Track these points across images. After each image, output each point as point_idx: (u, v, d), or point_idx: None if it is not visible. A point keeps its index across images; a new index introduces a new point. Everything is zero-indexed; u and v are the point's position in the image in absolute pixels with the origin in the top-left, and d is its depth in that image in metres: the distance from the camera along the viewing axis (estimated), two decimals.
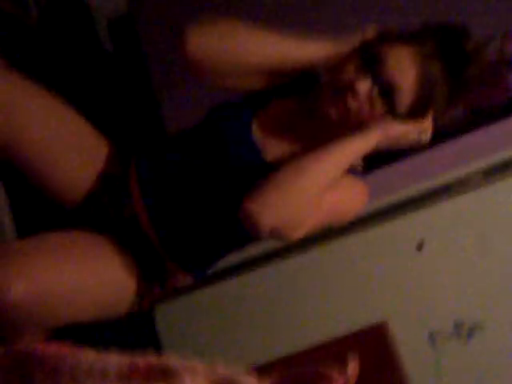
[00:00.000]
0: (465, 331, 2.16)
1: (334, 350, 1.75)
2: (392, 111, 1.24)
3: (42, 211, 1.47)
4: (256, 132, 1.34)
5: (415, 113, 1.25)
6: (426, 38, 1.24)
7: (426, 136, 1.28)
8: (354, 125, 1.25)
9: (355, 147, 1.24)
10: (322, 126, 1.31)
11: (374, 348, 1.66)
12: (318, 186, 1.19)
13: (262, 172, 1.23)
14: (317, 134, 1.33)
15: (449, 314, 2.18)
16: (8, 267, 1.12)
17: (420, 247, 2.20)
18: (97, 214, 1.39)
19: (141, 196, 1.35)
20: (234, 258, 2.17)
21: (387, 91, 1.22)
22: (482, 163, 2.16)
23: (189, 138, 1.38)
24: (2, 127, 1.31)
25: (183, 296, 2.30)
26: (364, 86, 1.22)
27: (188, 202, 1.32)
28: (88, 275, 1.25)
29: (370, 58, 1.23)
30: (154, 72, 2.91)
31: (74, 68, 2.29)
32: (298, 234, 1.20)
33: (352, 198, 1.32)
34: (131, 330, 1.81)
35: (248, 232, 1.19)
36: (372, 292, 2.19)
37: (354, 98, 1.22)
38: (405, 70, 1.21)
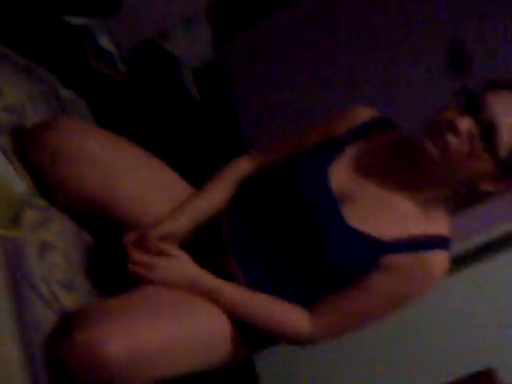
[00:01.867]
0: None
1: None
2: (492, 152, 1.19)
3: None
4: (334, 180, 1.32)
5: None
6: None
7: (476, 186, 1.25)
8: (450, 165, 1.21)
9: None
10: (416, 167, 1.27)
11: None
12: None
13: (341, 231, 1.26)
14: (406, 175, 1.29)
15: None
16: (104, 325, 1.12)
17: None
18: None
19: (232, 250, 1.34)
20: None
21: (489, 131, 1.19)
22: None
23: (269, 189, 1.36)
24: (99, 185, 1.34)
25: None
26: (465, 123, 1.20)
27: (274, 256, 1.31)
28: (186, 328, 1.24)
29: (473, 102, 1.21)
30: (242, 119, 2.97)
31: (164, 120, 2.34)
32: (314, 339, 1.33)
33: (413, 280, 1.27)
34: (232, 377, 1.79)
35: None
36: (477, 335, 2.07)
37: (454, 135, 1.19)
38: (508, 112, 1.20)
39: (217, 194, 1.42)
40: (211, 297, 1.29)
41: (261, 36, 3.08)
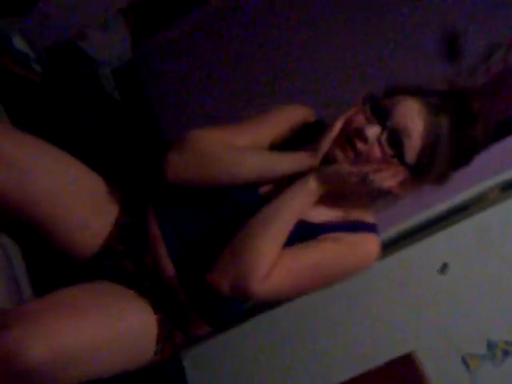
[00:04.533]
0: (499, 351, 2.11)
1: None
2: (401, 158, 1.24)
3: (58, 267, 1.46)
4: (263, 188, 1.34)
5: (421, 165, 1.24)
6: (433, 93, 1.27)
7: (388, 182, 1.24)
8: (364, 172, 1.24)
9: (296, 201, 1.26)
10: None
11: (404, 380, 1.63)
12: (261, 243, 1.22)
13: None
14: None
15: (480, 335, 2.13)
16: (24, 328, 1.11)
17: (443, 270, 2.17)
18: (112, 263, 1.38)
19: (165, 247, 1.34)
20: None
21: (396, 137, 1.23)
22: (497, 179, 2.13)
23: (201, 190, 1.37)
24: (14, 188, 1.31)
25: (209, 341, 2.29)
26: (373, 130, 1.23)
27: (207, 257, 1.32)
28: (106, 327, 1.23)
29: (379, 109, 1.25)
30: (161, 116, 2.96)
31: (82, 119, 2.31)
32: (260, 290, 1.22)
33: (350, 257, 1.30)
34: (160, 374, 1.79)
35: None
36: (398, 322, 2.15)
37: (363, 143, 1.23)
38: (413, 117, 1.23)
39: None
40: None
41: (178, 34, 3.08)
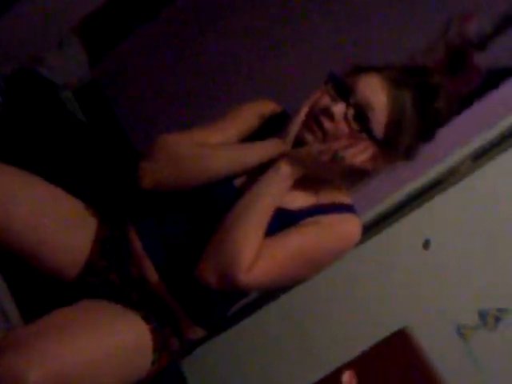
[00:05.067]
0: (491, 319, 2.14)
1: (362, 366, 1.74)
2: (368, 132, 1.25)
3: (45, 291, 1.45)
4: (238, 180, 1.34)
5: (389, 138, 1.26)
6: (394, 69, 1.30)
7: (359, 158, 1.25)
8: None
9: (272, 188, 1.26)
10: None
11: (400, 356, 1.64)
12: (243, 234, 1.23)
13: None
14: None
15: (471, 305, 2.16)
16: (20, 355, 1.10)
17: (427, 246, 2.19)
18: (98, 280, 1.38)
19: (148, 256, 1.34)
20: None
21: (361, 112, 1.25)
22: (467, 149, 2.16)
23: (177, 193, 1.38)
24: None
25: (206, 344, 2.29)
26: (339, 108, 1.25)
27: (192, 258, 1.32)
28: (100, 346, 1.23)
29: (342, 86, 1.27)
30: (129, 128, 2.96)
31: (49, 144, 2.30)
32: (247, 280, 1.23)
33: (331, 238, 1.31)
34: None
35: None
36: (388, 299, 2.17)
37: (330, 120, 1.25)
38: (376, 91, 1.25)
39: None
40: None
41: (135, 45, 3.08)
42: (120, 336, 1.28)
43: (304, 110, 1.29)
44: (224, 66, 2.90)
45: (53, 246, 1.35)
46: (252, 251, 1.23)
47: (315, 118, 1.27)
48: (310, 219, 1.31)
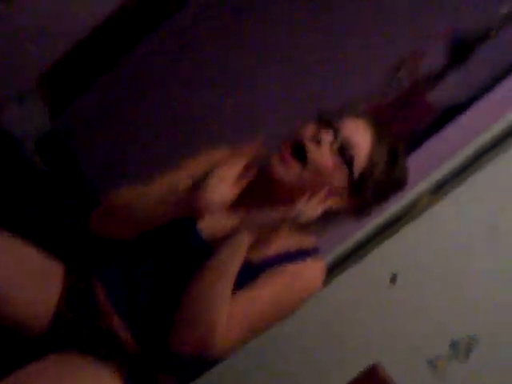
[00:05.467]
0: (462, 349, 2.15)
1: None
2: (350, 167, 1.28)
3: (11, 347, 1.42)
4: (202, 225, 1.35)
5: (359, 183, 1.29)
6: (373, 120, 1.34)
7: (305, 216, 1.27)
8: (306, 180, 1.27)
9: (236, 256, 1.25)
10: (270, 194, 1.33)
11: None
12: (214, 304, 1.23)
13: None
14: (263, 201, 1.34)
15: (442, 337, 2.17)
16: None
17: (394, 280, 2.21)
18: (65, 333, 1.36)
19: (115, 311, 1.33)
20: None
21: (345, 149, 1.27)
22: (425, 184, 2.20)
23: (142, 241, 1.37)
24: None
25: None
26: (328, 136, 1.27)
27: (160, 306, 1.31)
28: None
29: (332, 121, 1.30)
30: (94, 180, 2.94)
31: (11, 196, 2.27)
32: (222, 346, 1.24)
33: (296, 286, 1.32)
34: None
35: None
36: (357, 337, 2.16)
37: (316, 146, 1.26)
38: (362, 135, 1.29)
39: None
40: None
41: (97, 97, 3.08)
42: None
43: (234, 166, 1.26)
44: (186, 112, 2.92)
45: (17, 301, 1.34)
46: (224, 320, 1.23)
47: (295, 149, 1.27)
48: (273, 269, 1.31)
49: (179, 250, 1.32)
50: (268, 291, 1.28)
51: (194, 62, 2.96)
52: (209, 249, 1.29)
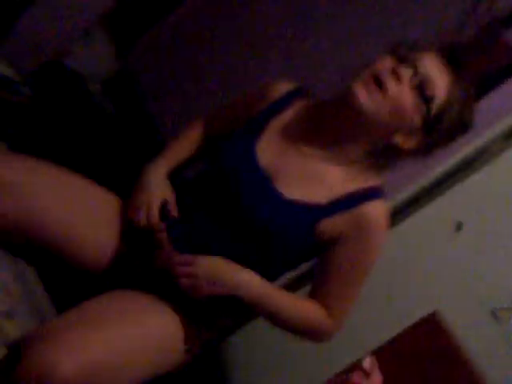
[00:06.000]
0: None
1: (393, 350, 1.72)
2: (429, 106, 1.24)
3: (76, 282, 1.47)
4: (262, 157, 1.34)
5: (435, 121, 1.26)
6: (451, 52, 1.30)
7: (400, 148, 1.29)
8: (382, 116, 1.24)
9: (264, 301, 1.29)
10: (338, 127, 1.30)
11: (430, 339, 1.62)
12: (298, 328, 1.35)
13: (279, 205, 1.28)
14: (329, 138, 1.31)
15: (504, 287, 2.12)
16: (50, 347, 1.11)
17: (459, 228, 2.15)
18: (128, 270, 1.39)
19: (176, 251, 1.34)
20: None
21: (424, 85, 1.23)
22: (498, 128, 2.12)
23: (203, 185, 1.38)
24: (17, 211, 1.31)
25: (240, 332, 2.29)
26: (408, 71, 1.23)
27: (220, 251, 1.31)
28: (131, 336, 1.23)
29: (411, 55, 1.25)
30: (159, 123, 2.96)
31: (79, 136, 2.32)
32: (338, 328, 1.37)
33: (371, 248, 1.32)
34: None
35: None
36: (419, 283, 2.14)
37: (396, 83, 1.22)
38: (441, 72, 1.26)
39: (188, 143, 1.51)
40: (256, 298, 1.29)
41: (161, 36, 3.07)
42: (151, 326, 1.28)
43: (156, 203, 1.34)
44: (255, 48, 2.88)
45: (82, 241, 1.37)
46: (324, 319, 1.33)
47: (375, 79, 1.23)
48: (328, 222, 1.30)
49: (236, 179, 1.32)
50: (352, 274, 1.31)
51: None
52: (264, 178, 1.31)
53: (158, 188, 1.39)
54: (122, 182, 1.54)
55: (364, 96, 1.22)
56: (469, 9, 2.54)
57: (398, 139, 1.27)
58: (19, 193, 1.30)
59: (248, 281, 1.26)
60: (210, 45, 2.99)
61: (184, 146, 1.51)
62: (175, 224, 1.36)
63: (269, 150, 1.35)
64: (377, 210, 1.30)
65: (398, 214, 2.16)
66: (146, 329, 1.27)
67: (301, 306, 1.32)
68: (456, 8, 2.55)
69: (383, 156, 1.31)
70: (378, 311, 2.15)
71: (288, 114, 1.39)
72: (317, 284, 1.35)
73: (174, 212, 1.36)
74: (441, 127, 1.26)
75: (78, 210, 1.36)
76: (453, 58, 1.28)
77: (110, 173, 2.05)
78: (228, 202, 1.32)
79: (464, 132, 1.31)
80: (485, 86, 2.17)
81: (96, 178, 1.46)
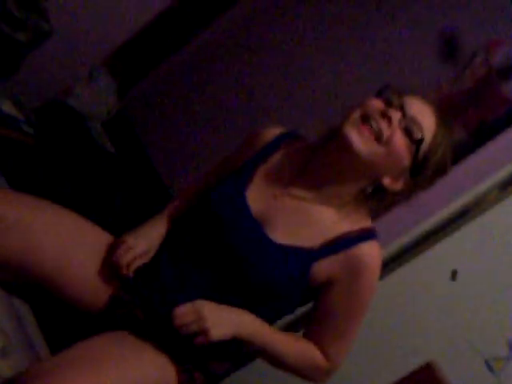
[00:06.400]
0: None
1: None
2: (418, 146, 1.25)
3: (70, 322, 1.46)
4: (252, 203, 1.34)
5: (422, 163, 1.27)
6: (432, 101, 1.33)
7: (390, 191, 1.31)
8: (372, 157, 1.25)
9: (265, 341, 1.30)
10: (325, 170, 1.31)
11: None
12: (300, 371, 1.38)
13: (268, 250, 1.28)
14: (318, 180, 1.32)
15: (501, 336, 2.11)
16: None
17: (454, 276, 2.15)
18: (122, 313, 1.38)
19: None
20: None
21: (413, 128, 1.25)
22: (494, 178, 2.14)
23: (192, 226, 1.38)
24: (15, 248, 1.31)
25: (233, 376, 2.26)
26: (397, 115, 1.25)
27: (211, 294, 1.31)
28: (124, 380, 1.22)
29: (397, 99, 1.27)
30: (159, 164, 2.98)
31: (77, 175, 2.33)
32: (336, 368, 1.39)
33: (366, 288, 1.33)
34: None
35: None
36: (414, 333, 2.13)
37: (387, 125, 1.24)
38: (428, 115, 1.28)
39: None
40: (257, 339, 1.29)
41: (163, 79, 3.12)
42: (144, 370, 1.27)
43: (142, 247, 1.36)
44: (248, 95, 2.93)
45: (77, 277, 1.36)
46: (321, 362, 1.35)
47: (366, 121, 1.24)
48: (322, 264, 1.30)
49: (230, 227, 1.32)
50: (354, 319, 1.33)
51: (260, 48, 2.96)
52: (256, 225, 1.30)
53: (146, 241, 1.40)
54: (121, 222, 1.54)
55: (358, 139, 1.24)
56: (466, 61, 2.60)
57: (387, 181, 1.29)
58: (18, 231, 1.30)
59: (251, 320, 1.27)
60: (208, 90, 3.04)
61: (182, 207, 1.50)
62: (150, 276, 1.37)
63: (258, 196, 1.35)
64: (370, 250, 1.31)
65: (392, 263, 2.16)
66: (140, 373, 1.26)
67: (298, 346, 1.32)
68: (453, 59, 2.60)
69: (372, 198, 1.32)
70: (371, 361, 2.14)
71: (276, 158, 1.39)
72: (312, 325, 1.35)
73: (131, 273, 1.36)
74: (428, 168, 1.28)
75: (76, 247, 1.36)
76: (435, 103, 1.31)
77: (110, 212, 2.06)
78: (218, 250, 1.31)
79: (443, 174, 1.33)
80: (482, 136, 2.21)
81: (95, 218, 1.47)
